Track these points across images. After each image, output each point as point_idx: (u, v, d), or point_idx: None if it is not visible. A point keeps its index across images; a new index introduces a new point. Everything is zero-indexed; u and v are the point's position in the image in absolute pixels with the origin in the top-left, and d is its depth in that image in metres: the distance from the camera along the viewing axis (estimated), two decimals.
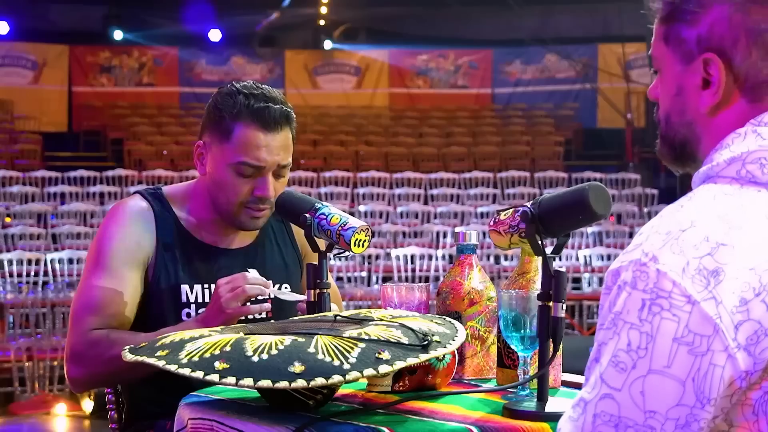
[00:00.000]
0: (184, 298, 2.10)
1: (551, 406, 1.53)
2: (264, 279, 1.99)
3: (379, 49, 16.62)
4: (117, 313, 2.04)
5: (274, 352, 1.44)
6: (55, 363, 7.21)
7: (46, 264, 8.86)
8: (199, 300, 2.11)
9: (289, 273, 2.23)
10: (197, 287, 2.12)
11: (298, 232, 2.23)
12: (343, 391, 1.67)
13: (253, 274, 1.99)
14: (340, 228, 1.97)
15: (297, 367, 1.40)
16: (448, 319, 1.69)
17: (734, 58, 1.17)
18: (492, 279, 1.91)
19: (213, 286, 2.11)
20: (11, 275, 8.71)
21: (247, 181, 2.09)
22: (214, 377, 1.42)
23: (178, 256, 2.10)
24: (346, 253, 2.04)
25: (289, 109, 2.12)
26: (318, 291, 1.98)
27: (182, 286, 2.11)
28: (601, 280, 9.03)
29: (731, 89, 1.18)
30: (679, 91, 1.22)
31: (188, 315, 2.10)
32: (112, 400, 2.25)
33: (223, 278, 1.97)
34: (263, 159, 2.07)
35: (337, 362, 1.42)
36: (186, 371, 1.45)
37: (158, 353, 1.52)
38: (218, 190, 2.12)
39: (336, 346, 1.45)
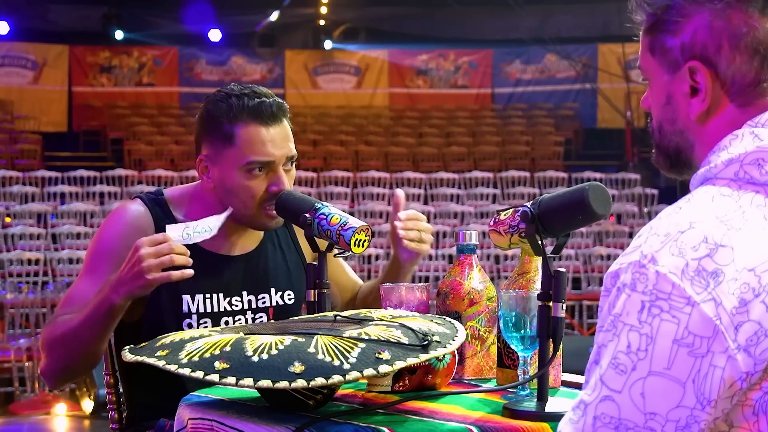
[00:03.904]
0: (185, 309, 2.08)
1: (551, 406, 1.53)
2: (185, 248, 1.90)
3: (379, 49, 16.61)
4: None
5: (274, 352, 1.44)
6: None
7: (46, 264, 8.87)
8: (201, 310, 2.09)
9: (293, 278, 2.22)
10: (198, 297, 2.09)
11: (302, 236, 2.22)
12: (343, 391, 1.67)
13: (175, 236, 1.91)
14: (340, 228, 1.97)
15: (297, 367, 1.41)
16: (448, 319, 1.69)
17: (719, 65, 1.17)
18: (492, 279, 1.91)
19: (215, 296, 2.11)
20: (11, 275, 8.71)
21: (260, 181, 2.07)
22: (214, 377, 1.42)
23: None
24: (346, 253, 2.04)
25: (282, 101, 2.13)
26: (318, 291, 1.98)
27: (183, 296, 2.08)
28: (601, 280, 9.04)
29: (719, 95, 1.19)
30: (669, 99, 1.23)
31: (189, 326, 2.07)
32: (112, 400, 2.25)
33: (145, 239, 1.88)
34: (271, 153, 2.06)
35: (337, 362, 1.42)
36: (186, 371, 1.45)
37: (158, 353, 1.52)
38: (233, 197, 2.08)
39: (336, 346, 1.45)
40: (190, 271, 1.89)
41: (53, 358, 2.01)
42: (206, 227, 1.99)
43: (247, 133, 2.05)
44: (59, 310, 2.04)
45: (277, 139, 2.07)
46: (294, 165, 2.15)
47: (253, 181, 2.06)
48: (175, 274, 1.87)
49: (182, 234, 1.95)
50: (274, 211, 2.08)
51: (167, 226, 1.95)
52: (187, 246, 2.07)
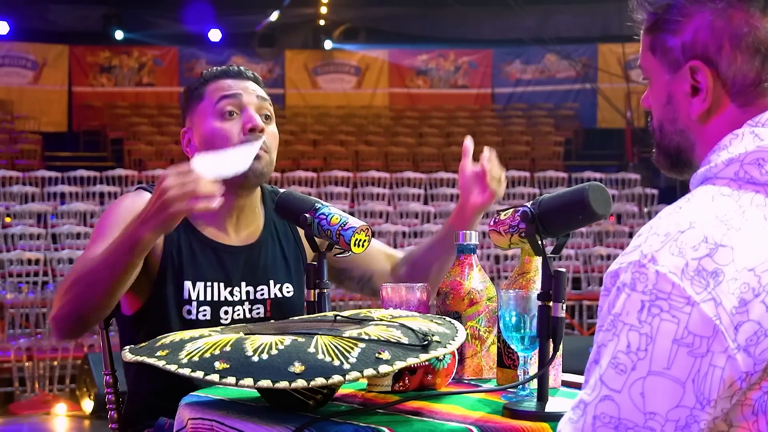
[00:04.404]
0: (186, 295, 2.09)
1: (551, 406, 1.53)
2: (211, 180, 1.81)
3: (379, 48, 16.62)
4: None
5: (274, 352, 1.44)
6: (55, 363, 7.21)
7: (46, 264, 8.86)
8: (201, 298, 2.10)
9: (291, 271, 2.23)
10: (200, 284, 2.11)
11: (302, 230, 2.23)
12: (343, 391, 1.67)
13: (199, 168, 1.81)
14: (340, 228, 1.97)
15: (297, 367, 1.40)
16: (448, 319, 1.69)
17: (720, 64, 1.18)
18: (492, 279, 1.91)
19: (216, 285, 2.12)
20: (11, 275, 8.71)
21: (233, 123, 2.12)
22: (214, 377, 1.42)
23: (183, 251, 2.09)
24: (346, 253, 2.04)
25: (255, 73, 2.23)
26: (318, 291, 1.98)
27: (185, 282, 2.10)
28: (601, 280, 9.04)
29: (720, 95, 1.19)
30: (669, 99, 1.23)
31: (189, 312, 2.09)
32: (112, 400, 2.26)
33: (171, 170, 1.81)
34: (237, 90, 2.14)
35: (337, 362, 1.42)
36: (186, 371, 1.45)
37: (158, 353, 1.52)
38: (212, 147, 2.09)
39: (336, 346, 1.45)
40: (217, 202, 1.80)
41: (66, 302, 1.93)
42: (236, 161, 1.91)
43: (215, 85, 2.16)
44: (70, 274, 2.00)
45: (247, 87, 2.17)
46: (273, 123, 2.19)
47: (227, 123, 2.12)
48: (199, 205, 1.79)
49: (211, 170, 1.84)
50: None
51: (194, 158, 1.88)
52: (190, 231, 2.08)
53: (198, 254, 2.12)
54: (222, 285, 2.13)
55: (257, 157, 2.09)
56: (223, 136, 2.10)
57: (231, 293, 2.14)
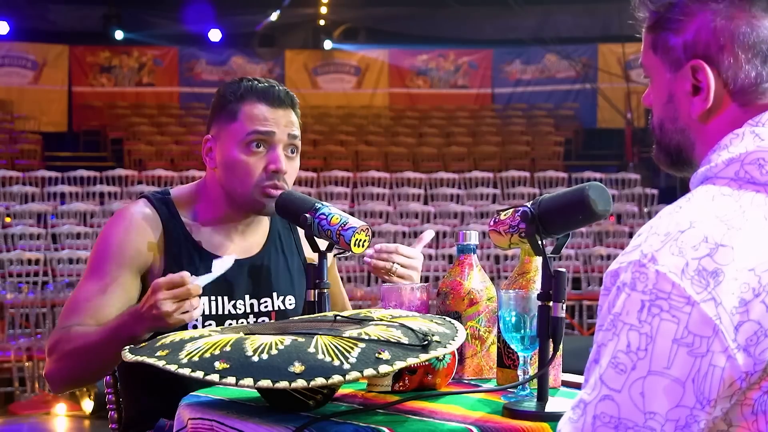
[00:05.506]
0: None
1: (551, 406, 1.53)
2: (197, 285, 1.83)
3: (379, 49, 16.61)
4: (99, 314, 2.00)
5: (274, 352, 1.44)
6: None
7: (46, 264, 8.86)
8: (206, 312, 2.08)
9: (295, 283, 2.21)
10: (204, 299, 2.08)
11: (305, 240, 2.21)
12: (343, 391, 1.67)
13: (194, 280, 1.84)
14: (340, 228, 1.97)
15: (297, 367, 1.41)
16: (448, 319, 1.69)
17: (721, 64, 1.18)
18: (492, 279, 1.91)
19: (220, 299, 2.10)
20: (11, 275, 8.71)
21: (259, 158, 2.07)
22: (214, 377, 1.42)
23: (184, 265, 2.05)
24: (346, 253, 2.04)
25: (293, 94, 2.16)
26: (318, 291, 1.98)
27: None
28: (601, 280, 9.04)
29: (721, 94, 1.19)
30: (670, 98, 1.23)
31: (194, 327, 2.07)
32: (112, 400, 2.25)
33: (163, 281, 1.82)
34: (271, 126, 2.08)
35: (337, 362, 1.42)
36: (186, 371, 1.45)
37: (158, 353, 1.52)
38: (232, 175, 2.08)
39: (336, 346, 1.45)
40: (199, 311, 1.86)
41: (64, 367, 2.00)
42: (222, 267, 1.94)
43: (250, 109, 2.09)
44: (68, 317, 2.02)
45: (281, 120, 2.10)
46: (298, 156, 2.15)
47: (252, 157, 2.08)
48: (194, 314, 1.84)
49: (202, 280, 1.89)
50: (273, 192, 2.08)
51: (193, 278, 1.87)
52: (192, 245, 2.07)
53: (200, 268, 2.08)
54: (226, 299, 2.11)
55: (272, 197, 2.08)
56: (246, 170, 2.07)
57: (234, 306, 2.12)
